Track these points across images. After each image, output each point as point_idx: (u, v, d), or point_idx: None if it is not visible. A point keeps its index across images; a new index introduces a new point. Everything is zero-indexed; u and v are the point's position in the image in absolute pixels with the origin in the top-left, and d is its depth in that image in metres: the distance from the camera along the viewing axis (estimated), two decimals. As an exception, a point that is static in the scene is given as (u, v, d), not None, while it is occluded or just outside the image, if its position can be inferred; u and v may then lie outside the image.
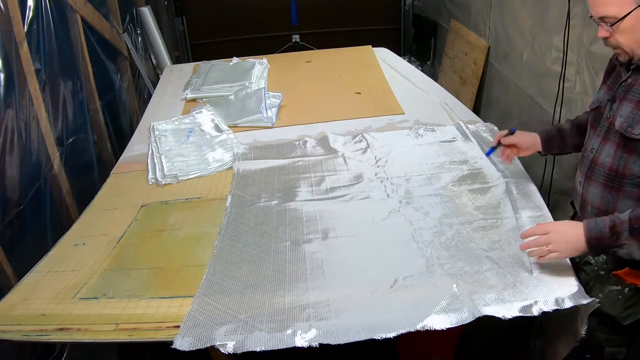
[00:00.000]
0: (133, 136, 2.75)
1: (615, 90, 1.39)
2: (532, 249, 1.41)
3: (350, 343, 1.28)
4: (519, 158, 2.14)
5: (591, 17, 1.31)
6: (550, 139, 1.72)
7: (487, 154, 1.96)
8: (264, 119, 2.71)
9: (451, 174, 2.07)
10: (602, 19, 1.28)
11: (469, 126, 2.45)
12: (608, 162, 1.39)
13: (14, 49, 2.17)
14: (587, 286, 1.44)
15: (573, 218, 1.64)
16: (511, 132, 1.77)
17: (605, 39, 1.31)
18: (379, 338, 1.27)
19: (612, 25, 1.26)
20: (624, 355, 1.51)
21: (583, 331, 1.43)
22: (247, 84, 3.10)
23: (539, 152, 1.77)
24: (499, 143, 1.79)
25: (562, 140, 1.71)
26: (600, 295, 1.45)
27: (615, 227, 1.29)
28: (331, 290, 1.48)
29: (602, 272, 1.44)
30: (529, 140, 1.75)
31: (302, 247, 1.70)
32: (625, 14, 1.22)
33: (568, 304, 1.33)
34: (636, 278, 1.37)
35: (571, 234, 1.35)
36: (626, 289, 1.41)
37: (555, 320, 1.58)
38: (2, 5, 2.09)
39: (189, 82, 3.33)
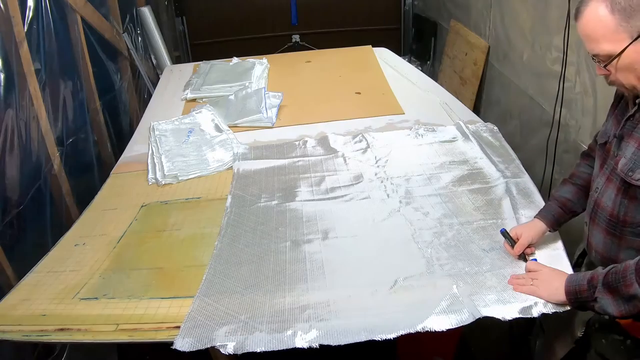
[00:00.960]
0: (133, 136, 2.75)
1: (622, 125, 1.26)
2: (518, 281, 1.41)
3: (350, 344, 1.28)
4: (518, 157, 2.15)
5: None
6: (557, 220, 1.53)
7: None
8: (264, 119, 2.71)
9: (451, 174, 2.07)
10: (595, 56, 1.16)
11: (469, 126, 2.45)
12: (609, 206, 1.28)
13: (14, 49, 2.17)
14: (593, 326, 1.41)
15: (582, 258, 1.57)
16: (506, 235, 1.55)
17: (606, 77, 1.19)
18: (379, 339, 1.27)
19: (605, 66, 1.15)
20: None
21: (579, 333, 1.43)
22: (247, 84, 3.10)
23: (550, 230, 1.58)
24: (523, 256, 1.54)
25: (571, 213, 1.54)
26: (603, 340, 1.37)
27: (592, 281, 1.22)
28: (331, 291, 1.48)
29: (607, 317, 1.30)
30: (534, 234, 1.53)
31: (302, 248, 1.70)
32: (619, 52, 1.10)
33: (567, 306, 1.33)
34: (637, 330, 1.28)
35: (554, 284, 1.32)
36: (628, 341, 1.31)
37: (553, 321, 1.58)
38: (2, 5, 2.09)
39: (189, 82, 3.33)
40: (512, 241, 1.53)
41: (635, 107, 1.22)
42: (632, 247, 1.26)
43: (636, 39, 1.07)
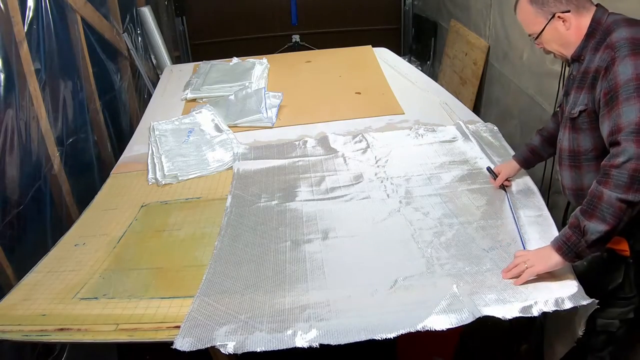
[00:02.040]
0: (133, 136, 2.75)
1: (566, 85, 1.61)
2: (512, 272, 1.45)
3: (350, 343, 1.28)
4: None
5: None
6: (526, 160, 1.91)
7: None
8: (264, 119, 2.71)
9: (451, 174, 2.07)
10: (530, 36, 1.55)
11: (469, 126, 2.45)
12: (566, 145, 1.54)
13: (14, 49, 2.17)
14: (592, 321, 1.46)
15: (567, 208, 1.86)
16: (489, 171, 1.98)
17: (543, 49, 1.56)
18: (379, 338, 1.27)
19: (535, 40, 1.53)
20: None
21: (580, 332, 1.43)
22: (247, 84, 3.10)
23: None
24: (503, 187, 1.93)
25: (537, 156, 1.90)
26: (584, 263, 1.50)
27: (572, 224, 1.34)
28: (331, 291, 1.48)
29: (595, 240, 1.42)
30: (510, 170, 1.93)
31: (302, 248, 1.70)
32: (541, 30, 1.48)
33: (568, 305, 1.33)
34: (613, 243, 1.41)
35: (543, 252, 1.42)
36: (604, 254, 1.48)
37: (553, 321, 1.58)
38: (2, 5, 2.09)
39: (189, 82, 3.33)
40: (494, 175, 1.94)
41: (570, 69, 1.55)
42: (591, 170, 1.49)
43: (550, 20, 1.45)
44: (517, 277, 1.43)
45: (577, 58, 1.48)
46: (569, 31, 1.45)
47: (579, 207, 1.36)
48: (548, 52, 1.57)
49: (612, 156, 1.28)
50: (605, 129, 1.33)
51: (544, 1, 1.45)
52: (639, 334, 1.76)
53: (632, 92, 1.26)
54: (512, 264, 1.47)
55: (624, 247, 1.43)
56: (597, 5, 1.46)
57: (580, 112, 1.45)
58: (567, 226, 1.37)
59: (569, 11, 1.43)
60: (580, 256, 1.36)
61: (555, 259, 1.38)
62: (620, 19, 1.40)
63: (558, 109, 1.73)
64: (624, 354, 1.82)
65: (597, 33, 1.41)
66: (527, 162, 1.91)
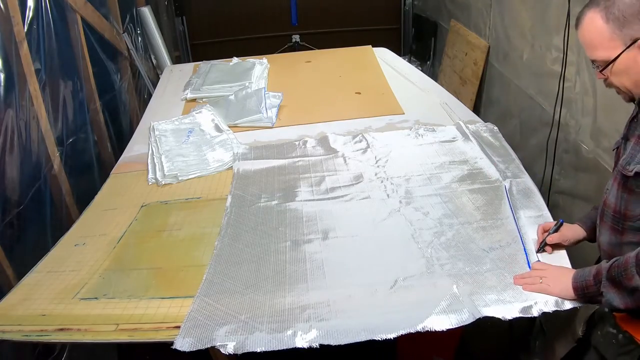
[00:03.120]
0: (133, 136, 2.75)
1: (628, 127, 1.33)
2: (525, 281, 1.42)
3: (350, 344, 1.28)
4: (518, 157, 2.15)
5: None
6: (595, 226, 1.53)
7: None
8: (264, 119, 2.71)
9: (451, 174, 2.07)
10: (593, 62, 1.25)
11: (469, 126, 2.45)
12: (612, 202, 1.32)
13: (14, 49, 2.17)
14: (593, 318, 1.42)
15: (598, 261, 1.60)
16: (559, 225, 1.57)
17: (606, 82, 1.27)
18: (379, 339, 1.27)
19: (602, 70, 1.23)
20: None
21: (580, 332, 1.43)
22: (247, 84, 3.10)
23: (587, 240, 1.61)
24: (544, 243, 1.57)
25: None
26: (599, 333, 1.39)
27: (597, 275, 1.27)
28: (331, 291, 1.48)
29: (607, 310, 1.34)
30: (573, 236, 1.57)
31: (302, 248, 1.70)
32: (614, 58, 1.18)
33: (568, 305, 1.33)
34: (630, 325, 1.30)
35: (562, 278, 1.36)
36: (620, 335, 1.33)
37: (553, 321, 1.58)
38: (2, 5, 2.09)
39: (189, 82, 3.33)
40: (554, 231, 1.54)
41: (637, 109, 1.28)
42: (633, 242, 1.29)
43: (629, 46, 1.15)
44: (528, 282, 1.41)
45: None
46: None
47: (610, 262, 1.24)
48: (611, 86, 1.28)
49: None
50: None
51: (626, 21, 1.14)
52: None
53: None
54: (527, 273, 1.44)
55: None
56: None
57: (637, 173, 1.21)
58: (592, 272, 1.28)
59: None
60: (594, 302, 1.32)
61: (569, 293, 1.33)
62: None
63: (614, 153, 1.43)
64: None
65: None
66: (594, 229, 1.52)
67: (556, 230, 1.54)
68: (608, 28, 1.17)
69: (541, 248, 1.54)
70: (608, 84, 1.27)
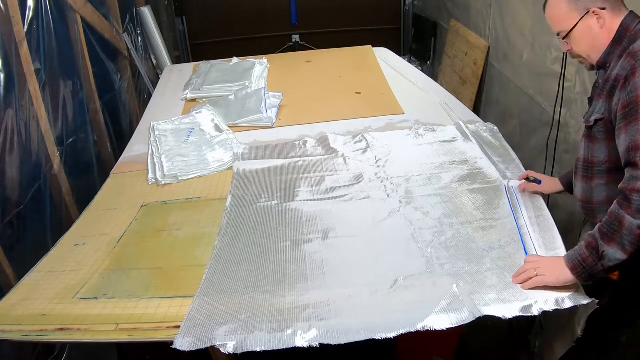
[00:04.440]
0: (133, 136, 2.75)
1: (592, 93, 1.50)
2: (520, 277, 1.43)
3: (350, 343, 1.28)
4: (518, 157, 2.15)
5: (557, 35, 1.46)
6: (570, 183, 1.68)
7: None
8: (264, 119, 2.71)
9: (451, 174, 2.07)
10: (558, 35, 1.44)
11: (469, 126, 2.45)
12: (582, 155, 1.48)
13: (14, 49, 2.17)
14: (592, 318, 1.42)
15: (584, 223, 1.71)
16: (536, 182, 1.80)
17: (569, 52, 1.46)
18: (379, 338, 1.27)
19: (564, 38, 1.42)
20: None
21: (580, 332, 1.43)
22: (247, 84, 3.10)
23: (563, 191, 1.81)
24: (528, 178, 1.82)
25: None
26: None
27: (590, 244, 1.29)
28: (331, 291, 1.48)
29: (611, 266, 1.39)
30: (551, 187, 1.80)
31: (302, 247, 1.70)
32: (572, 27, 1.38)
33: (568, 304, 1.33)
34: None
35: (556, 265, 1.37)
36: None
37: (553, 320, 1.58)
38: (2, 5, 2.09)
39: (189, 82, 3.33)
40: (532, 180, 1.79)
41: (597, 75, 1.46)
42: (601, 183, 1.43)
43: (584, 15, 1.35)
44: (525, 281, 1.41)
45: (602, 65, 1.39)
46: (602, 30, 1.35)
47: (597, 227, 1.30)
48: (575, 56, 1.47)
49: (632, 178, 1.21)
50: (621, 144, 1.27)
51: None
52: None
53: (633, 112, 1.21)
54: (521, 268, 1.44)
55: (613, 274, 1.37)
56: (630, 11, 1.37)
57: (596, 120, 1.38)
58: (583, 245, 1.32)
59: (604, 8, 1.33)
60: (594, 278, 1.32)
61: (567, 276, 1.34)
62: None
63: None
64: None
65: (624, 39, 1.32)
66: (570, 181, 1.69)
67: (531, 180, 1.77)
68: (567, 3, 1.37)
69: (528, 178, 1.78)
70: (572, 55, 1.47)
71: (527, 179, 1.83)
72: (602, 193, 1.43)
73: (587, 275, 1.32)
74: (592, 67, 1.46)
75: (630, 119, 1.23)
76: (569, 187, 1.71)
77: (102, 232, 1.90)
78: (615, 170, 1.31)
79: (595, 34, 1.36)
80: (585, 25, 1.36)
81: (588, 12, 1.34)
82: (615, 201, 1.26)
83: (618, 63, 1.31)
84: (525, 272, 1.42)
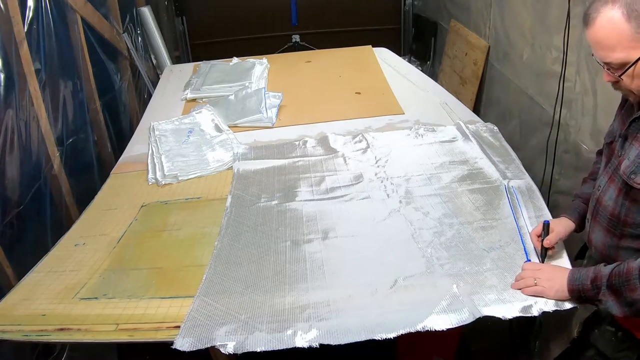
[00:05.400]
0: (133, 136, 2.75)
1: (628, 126, 1.25)
2: (518, 284, 1.41)
3: (350, 343, 1.28)
4: (518, 157, 2.15)
5: (593, 55, 1.18)
6: (582, 217, 1.52)
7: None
8: (264, 119, 2.71)
9: (451, 174, 2.07)
10: (607, 64, 1.15)
11: (469, 126, 2.45)
12: (610, 206, 1.29)
13: (14, 49, 2.16)
14: (590, 318, 1.42)
15: (583, 251, 1.60)
16: (547, 227, 1.53)
17: (615, 84, 1.19)
18: (379, 338, 1.27)
19: (620, 75, 1.14)
20: None
21: (576, 333, 1.43)
22: (247, 84, 3.10)
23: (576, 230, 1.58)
24: (544, 249, 1.52)
25: None
26: (596, 331, 1.40)
27: (596, 281, 1.24)
28: (331, 291, 1.48)
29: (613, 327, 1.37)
30: (565, 230, 1.53)
31: (302, 247, 1.70)
32: (636, 60, 1.09)
33: (568, 305, 1.33)
34: (628, 322, 1.31)
35: (557, 280, 1.33)
36: (619, 333, 1.34)
37: (550, 321, 1.58)
38: (2, 5, 2.09)
39: (189, 82, 3.33)
40: (545, 234, 1.50)
41: (638, 108, 1.23)
42: (631, 247, 1.27)
43: None
44: (522, 285, 1.40)
45: None
46: None
47: (610, 269, 1.22)
48: (621, 89, 1.20)
49: None
50: None
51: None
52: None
53: None
54: (520, 275, 1.43)
55: None
56: None
57: None
58: (590, 276, 1.25)
59: None
60: (591, 304, 1.30)
61: (564, 294, 1.31)
62: None
63: (604, 143, 1.40)
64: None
65: None
66: (584, 218, 1.50)
67: (547, 232, 1.50)
68: (630, 27, 1.06)
69: (544, 255, 1.49)
70: (618, 87, 1.19)
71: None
72: (631, 256, 1.24)
73: (583, 302, 1.30)
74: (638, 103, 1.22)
75: None
76: (579, 224, 1.53)
77: (102, 232, 1.90)
78: None
79: None
80: None
81: None
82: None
83: None
84: (524, 279, 1.40)
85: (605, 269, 1.23)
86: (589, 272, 1.27)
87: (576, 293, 1.29)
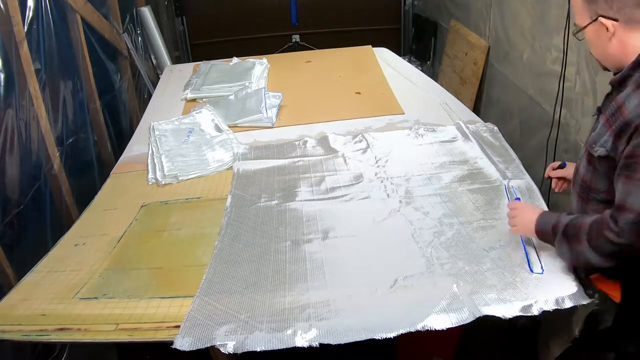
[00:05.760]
0: (133, 136, 2.75)
1: (603, 102, 1.37)
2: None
3: (350, 343, 1.28)
4: (518, 157, 2.15)
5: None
6: None
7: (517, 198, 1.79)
8: (264, 119, 2.71)
9: (451, 174, 2.07)
10: (574, 25, 1.35)
11: (469, 126, 2.45)
12: (582, 172, 1.40)
13: (14, 49, 2.16)
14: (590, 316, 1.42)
15: None
16: (561, 166, 1.70)
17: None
18: (379, 338, 1.27)
19: (575, 33, 1.33)
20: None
21: (577, 332, 1.43)
22: (247, 84, 3.10)
23: None
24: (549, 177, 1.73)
25: None
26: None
27: (555, 228, 1.36)
28: (331, 290, 1.48)
29: (583, 275, 1.44)
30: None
31: (302, 247, 1.70)
32: (582, 27, 1.28)
33: (568, 304, 1.33)
34: (604, 285, 1.37)
35: (527, 219, 1.47)
36: (596, 295, 1.39)
37: (549, 321, 1.58)
38: (2, 5, 2.09)
39: (189, 82, 3.33)
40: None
41: (611, 87, 1.34)
42: (596, 211, 1.34)
43: (593, 21, 1.24)
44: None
45: (617, 84, 1.27)
46: (611, 43, 1.23)
47: (569, 219, 1.33)
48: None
49: (612, 225, 1.19)
50: (616, 191, 1.23)
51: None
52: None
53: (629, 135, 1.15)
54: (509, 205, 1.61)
55: (615, 294, 1.35)
56: None
57: (600, 156, 1.28)
58: (552, 220, 1.38)
59: (617, 20, 1.20)
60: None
61: (531, 232, 1.47)
62: None
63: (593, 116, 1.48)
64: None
65: None
66: None
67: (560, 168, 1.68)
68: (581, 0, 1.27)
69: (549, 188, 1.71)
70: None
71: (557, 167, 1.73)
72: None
73: (548, 243, 1.44)
74: (605, 69, 1.36)
75: (629, 174, 1.18)
76: None
77: (102, 232, 1.90)
78: (611, 205, 1.23)
79: (604, 43, 1.25)
80: (594, 30, 1.25)
81: (597, 19, 1.22)
82: (593, 219, 1.26)
83: (635, 97, 1.18)
84: (508, 217, 1.57)
85: (565, 219, 1.35)
86: (552, 218, 1.39)
87: (540, 234, 1.43)
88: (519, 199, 1.83)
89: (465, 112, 2.71)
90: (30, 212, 2.19)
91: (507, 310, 1.34)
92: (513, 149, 2.24)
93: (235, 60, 3.66)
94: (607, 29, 1.21)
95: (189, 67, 3.82)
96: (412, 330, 1.29)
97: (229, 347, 1.30)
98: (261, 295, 1.48)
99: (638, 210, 1.16)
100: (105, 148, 3.23)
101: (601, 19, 1.21)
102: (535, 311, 1.33)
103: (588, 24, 1.26)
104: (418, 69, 4.05)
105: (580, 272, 1.46)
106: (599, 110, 1.37)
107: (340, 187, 2.06)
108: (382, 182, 2.06)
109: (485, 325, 1.38)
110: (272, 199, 2.00)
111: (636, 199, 1.16)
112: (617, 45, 1.23)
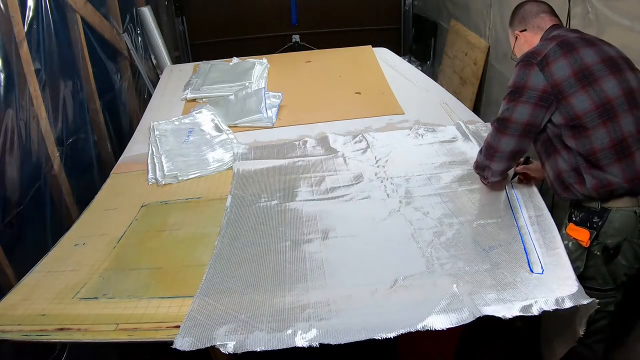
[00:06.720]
0: (133, 136, 2.75)
1: None
2: None
3: (350, 343, 1.28)
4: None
5: None
6: None
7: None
8: (264, 119, 2.71)
9: (451, 174, 2.07)
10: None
11: (469, 126, 2.45)
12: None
13: (14, 49, 2.17)
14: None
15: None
16: (526, 158, 1.95)
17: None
18: (379, 338, 1.27)
19: (513, 59, 1.83)
20: None
21: (581, 332, 1.42)
22: (247, 84, 3.10)
23: None
24: (515, 174, 1.97)
25: None
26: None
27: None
28: (331, 290, 1.48)
29: (563, 230, 1.67)
30: (537, 166, 1.90)
31: (302, 247, 1.70)
32: (513, 46, 1.88)
33: (568, 304, 1.33)
34: (576, 233, 1.61)
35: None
36: (570, 243, 1.62)
37: (552, 321, 1.58)
38: (2, 5, 2.09)
39: (189, 82, 3.33)
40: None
41: None
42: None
43: (516, 39, 1.85)
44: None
45: None
46: (526, 45, 1.79)
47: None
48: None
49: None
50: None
51: (511, 24, 1.87)
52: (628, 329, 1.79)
53: (506, 94, 1.71)
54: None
55: (583, 238, 1.60)
56: (550, 26, 1.76)
57: None
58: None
59: (525, 30, 1.81)
60: None
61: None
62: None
63: None
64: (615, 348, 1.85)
65: None
66: None
67: (525, 163, 1.94)
68: (509, 32, 1.90)
69: (514, 176, 1.94)
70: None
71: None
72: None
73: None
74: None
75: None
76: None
77: (102, 232, 1.90)
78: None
79: (522, 48, 1.81)
80: (518, 46, 1.85)
81: (517, 37, 1.84)
82: (477, 155, 1.87)
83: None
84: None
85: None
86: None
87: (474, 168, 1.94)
88: (518, 199, 1.83)
89: (465, 112, 2.71)
90: (30, 212, 2.19)
91: (507, 310, 1.33)
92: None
93: (235, 60, 3.66)
94: (523, 38, 1.81)
95: (189, 67, 3.82)
96: (412, 330, 1.29)
97: (229, 347, 1.29)
98: (261, 295, 1.48)
99: (499, 113, 1.77)
100: (105, 148, 3.23)
101: (518, 33, 1.83)
102: (535, 311, 1.33)
103: (515, 42, 1.85)
104: (418, 69, 4.05)
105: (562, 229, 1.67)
106: None
107: (340, 187, 2.06)
108: (382, 182, 2.06)
109: (486, 325, 1.38)
110: (272, 199, 2.00)
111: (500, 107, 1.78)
112: (527, 46, 1.78)
